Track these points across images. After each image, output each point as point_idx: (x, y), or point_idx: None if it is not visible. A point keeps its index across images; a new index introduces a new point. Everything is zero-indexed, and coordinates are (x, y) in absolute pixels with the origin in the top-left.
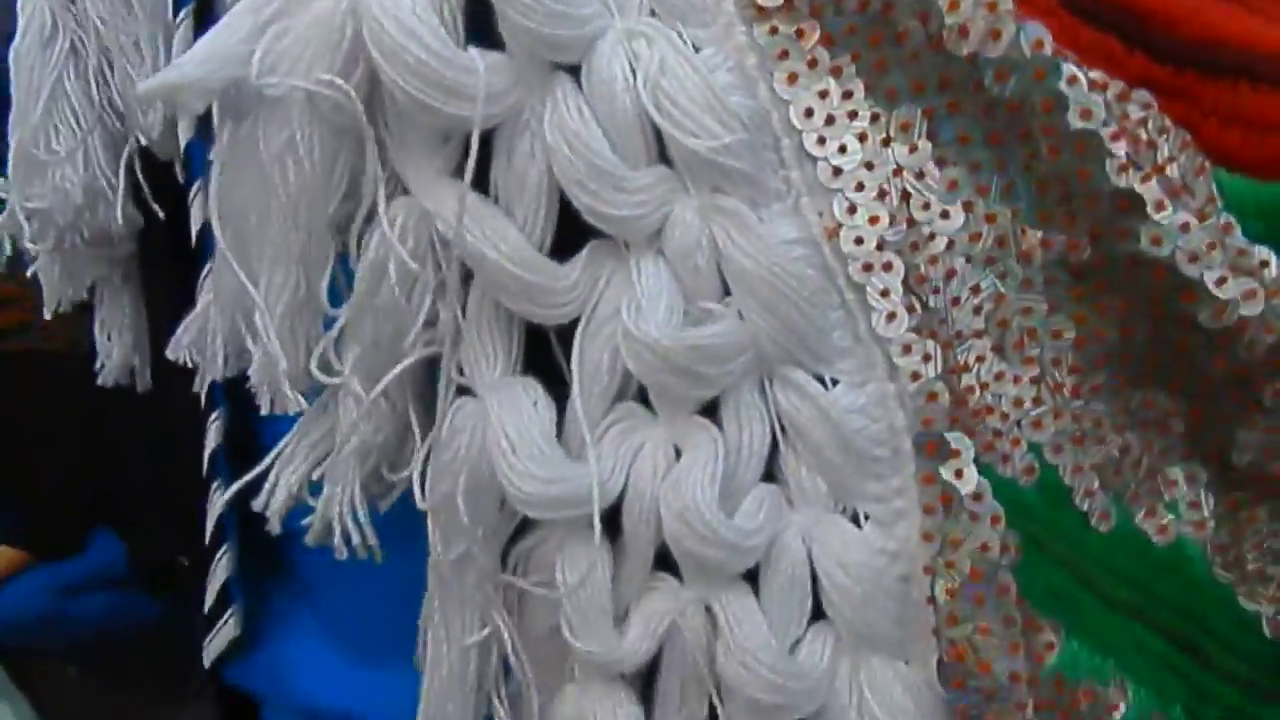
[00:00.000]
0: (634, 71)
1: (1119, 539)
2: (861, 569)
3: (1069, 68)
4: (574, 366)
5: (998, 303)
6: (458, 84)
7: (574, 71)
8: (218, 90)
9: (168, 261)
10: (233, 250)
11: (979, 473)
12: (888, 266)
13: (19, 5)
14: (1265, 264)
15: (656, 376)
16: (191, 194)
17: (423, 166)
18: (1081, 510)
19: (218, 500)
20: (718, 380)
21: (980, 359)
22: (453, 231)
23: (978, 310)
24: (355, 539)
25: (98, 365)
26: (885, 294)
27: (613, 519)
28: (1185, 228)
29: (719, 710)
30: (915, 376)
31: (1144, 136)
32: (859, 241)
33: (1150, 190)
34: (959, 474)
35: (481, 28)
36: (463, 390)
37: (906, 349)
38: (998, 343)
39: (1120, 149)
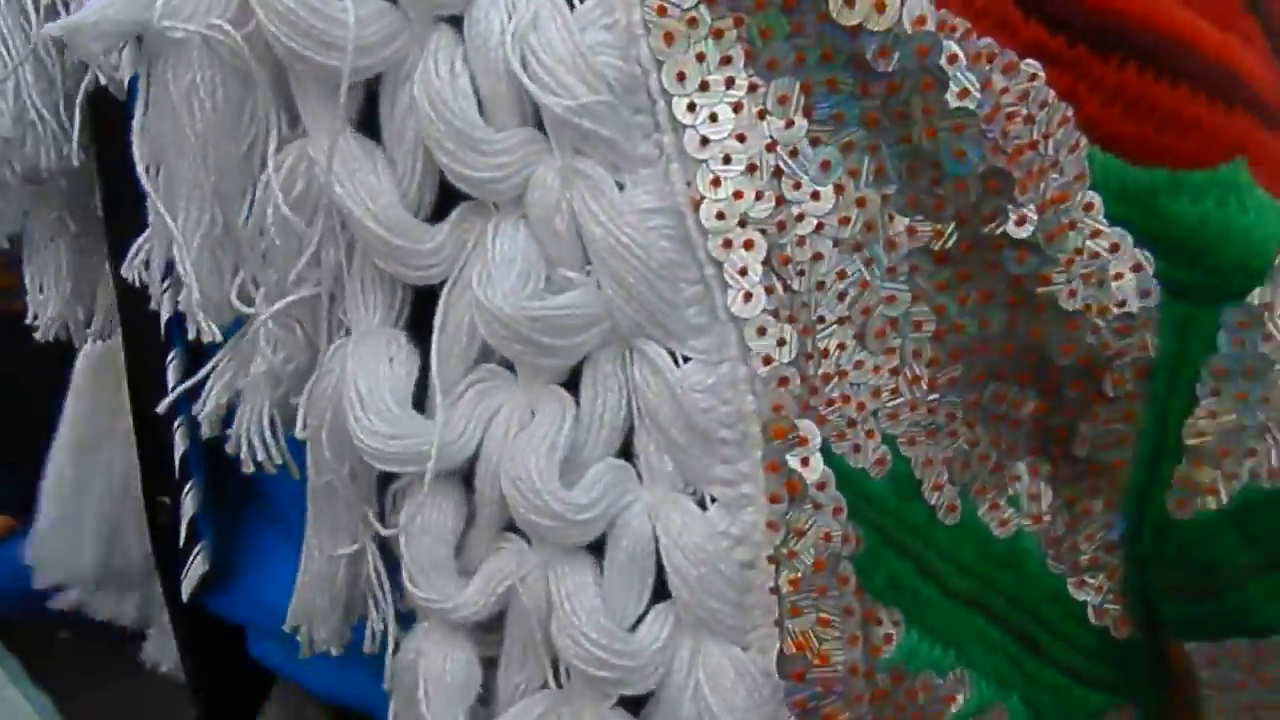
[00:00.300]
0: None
1: (963, 531)
2: (699, 551)
3: (949, 45)
4: (435, 328)
5: (862, 289)
6: (327, 34)
7: (459, 23)
8: (116, 34)
9: (130, 199)
10: (153, 186)
11: (826, 462)
12: (749, 245)
13: None
14: (1116, 247)
15: (504, 345)
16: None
17: (319, 113)
18: (930, 503)
19: (181, 440)
20: (566, 351)
21: (841, 346)
22: (324, 181)
23: (842, 296)
24: (260, 455)
25: (30, 319)
26: (743, 273)
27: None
28: (1044, 207)
29: (551, 677)
30: (767, 360)
31: (1024, 111)
32: (720, 216)
33: (1019, 168)
34: (805, 462)
35: None
36: (350, 331)
37: (761, 331)
38: (860, 330)
39: (993, 129)
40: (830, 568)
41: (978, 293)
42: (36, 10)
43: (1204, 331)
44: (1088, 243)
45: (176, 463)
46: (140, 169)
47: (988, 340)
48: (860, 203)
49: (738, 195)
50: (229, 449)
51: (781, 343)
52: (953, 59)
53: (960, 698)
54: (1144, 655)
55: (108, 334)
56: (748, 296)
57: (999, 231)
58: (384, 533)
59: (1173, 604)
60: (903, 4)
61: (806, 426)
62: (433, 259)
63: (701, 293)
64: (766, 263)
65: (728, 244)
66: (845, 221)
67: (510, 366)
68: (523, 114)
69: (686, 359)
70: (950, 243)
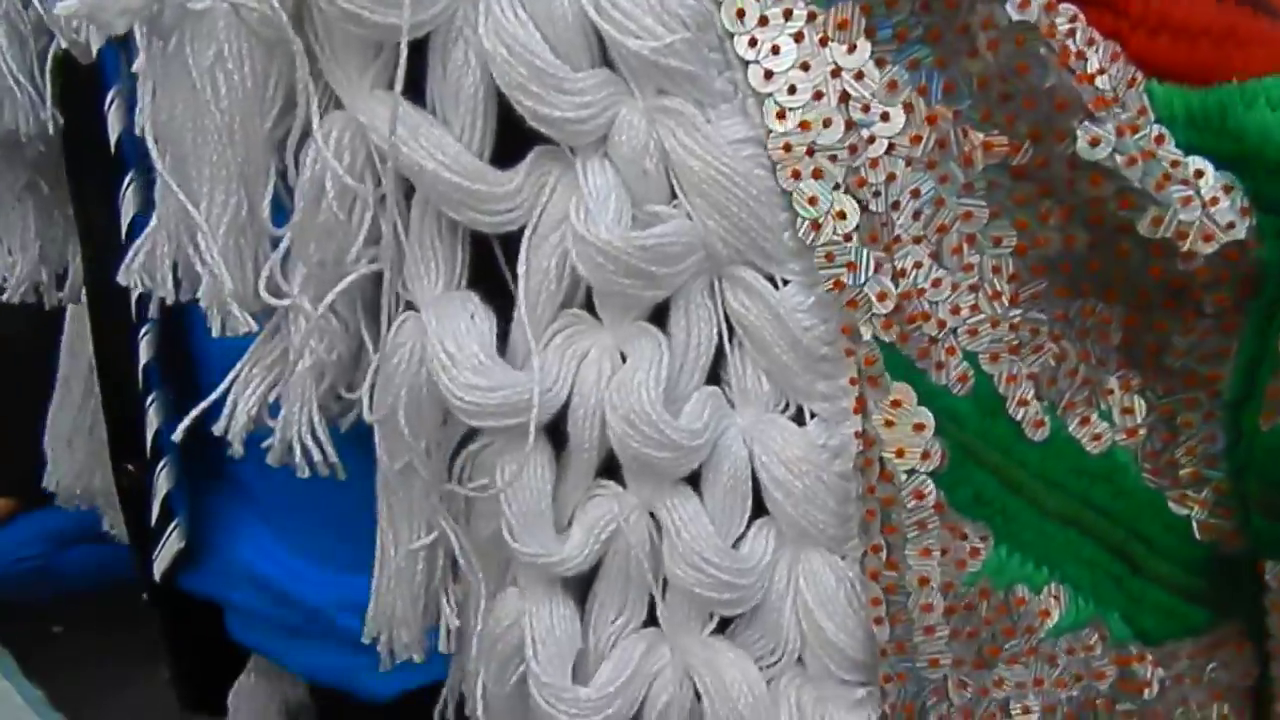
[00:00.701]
0: None
1: (1054, 448)
2: (802, 464)
3: None
4: (520, 274)
5: (937, 207)
6: None
7: None
8: (139, 8)
9: (97, 170)
10: (171, 172)
11: (905, 379)
12: (817, 173)
13: None
14: (1200, 174)
15: (608, 279)
16: (108, 102)
17: (355, 79)
18: (1015, 419)
19: (154, 416)
20: (669, 281)
21: (917, 265)
22: (388, 145)
23: (917, 215)
24: (316, 457)
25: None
26: (813, 201)
27: (557, 427)
28: (1120, 133)
29: (659, 610)
30: (838, 285)
31: (1073, 48)
32: (787, 149)
33: (1087, 90)
34: (874, 380)
35: None
36: (409, 305)
37: (829, 257)
38: (935, 249)
39: (1055, 44)
40: (899, 480)
41: (1060, 209)
42: None
43: None
44: (1173, 171)
45: (149, 439)
46: (156, 157)
47: (1073, 256)
48: (931, 120)
49: (804, 126)
50: (271, 460)
51: (852, 266)
52: None
53: (1056, 613)
54: (1253, 571)
55: (78, 297)
56: (816, 225)
57: (1070, 152)
58: (478, 495)
59: (1257, 518)
60: None
61: (872, 344)
62: (511, 203)
63: (792, 218)
64: (840, 187)
65: (796, 174)
66: (917, 140)
67: (590, 310)
68: (591, 57)
69: (786, 282)
70: (1027, 158)
